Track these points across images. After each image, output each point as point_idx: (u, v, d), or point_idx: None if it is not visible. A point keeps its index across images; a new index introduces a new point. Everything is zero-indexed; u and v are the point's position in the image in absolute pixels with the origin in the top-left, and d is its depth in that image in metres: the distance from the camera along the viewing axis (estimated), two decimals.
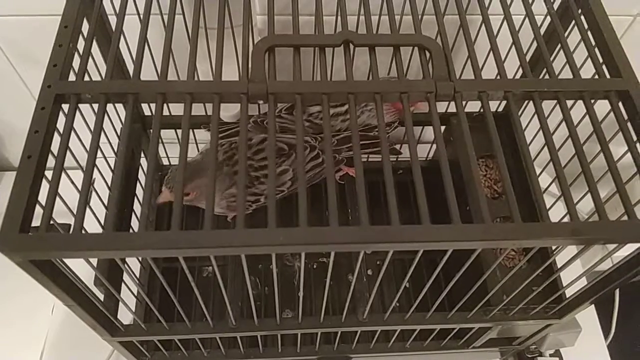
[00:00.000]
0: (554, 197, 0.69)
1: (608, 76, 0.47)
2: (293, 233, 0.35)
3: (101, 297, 0.54)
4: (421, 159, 0.84)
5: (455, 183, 0.38)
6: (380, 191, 0.78)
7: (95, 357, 0.73)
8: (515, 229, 0.37)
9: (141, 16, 0.48)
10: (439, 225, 0.36)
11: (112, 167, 0.59)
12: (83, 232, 0.48)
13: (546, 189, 0.66)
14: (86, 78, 0.46)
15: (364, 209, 0.36)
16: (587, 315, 0.81)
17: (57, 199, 0.39)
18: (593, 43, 0.49)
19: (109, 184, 0.57)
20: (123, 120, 0.43)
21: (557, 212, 0.62)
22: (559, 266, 0.50)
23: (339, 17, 0.50)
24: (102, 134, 0.56)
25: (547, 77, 0.47)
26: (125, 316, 0.54)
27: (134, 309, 0.61)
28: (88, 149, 0.40)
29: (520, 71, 0.48)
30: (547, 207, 0.41)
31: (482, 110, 0.44)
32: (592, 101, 0.45)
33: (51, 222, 0.38)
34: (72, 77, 0.44)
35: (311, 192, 0.76)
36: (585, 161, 0.41)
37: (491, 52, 0.47)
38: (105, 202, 0.59)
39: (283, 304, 0.78)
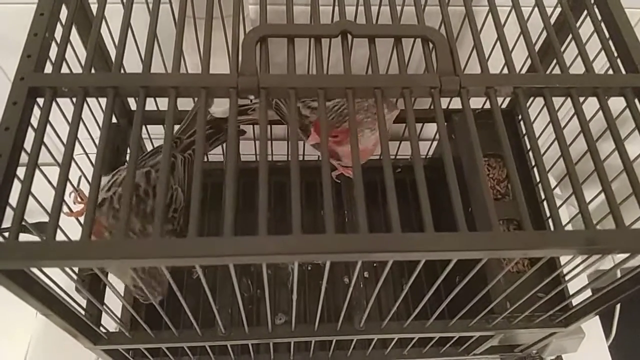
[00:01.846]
0: (558, 199, 0.66)
1: (623, 71, 0.44)
2: (285, 241, 0.32)
3: (84, 303, 0.51)
4: (421, 157, 0.82)
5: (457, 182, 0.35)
6: (378, 190, 0.76)
7: None
8: (526, 238, 0.34)
9: (124, 3, 0.44)
10: (443, 234, 0.33)
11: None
12: (61, 235, 0.45)
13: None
14: (67, 70, 0.43)
15: (363, 216, 0.33)
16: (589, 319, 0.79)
17: (31, 199, 0.36)
18: (607, 35, 0.46)
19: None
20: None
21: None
22: (565, 273, 0.47)
23: (337, 7, 0.47)
24: (87, 129, 0.54)
25: (556, 70, 0.44)
26: (111, 321, 0.51)
27: (120, 314, 0.58)
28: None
29: (527, 64, 0.45)
30: None
31: (485, 106, 0.41)
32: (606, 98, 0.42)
33: (23, 223, 0.35)
34: (49, 69, 0.41)
35: (306, 190, 0.73)
36: (600, 162, 0.39)
37: (497, 45, 0.44)
38: None
39: (277, 306, 0.75)
